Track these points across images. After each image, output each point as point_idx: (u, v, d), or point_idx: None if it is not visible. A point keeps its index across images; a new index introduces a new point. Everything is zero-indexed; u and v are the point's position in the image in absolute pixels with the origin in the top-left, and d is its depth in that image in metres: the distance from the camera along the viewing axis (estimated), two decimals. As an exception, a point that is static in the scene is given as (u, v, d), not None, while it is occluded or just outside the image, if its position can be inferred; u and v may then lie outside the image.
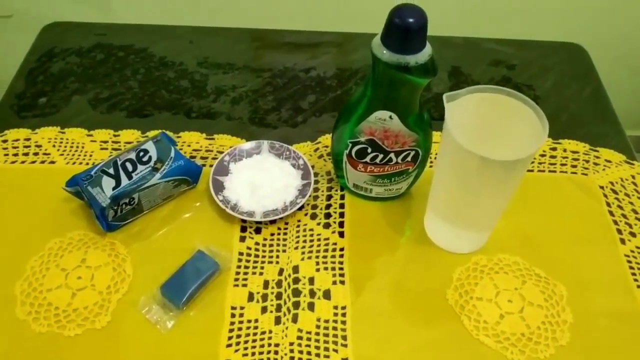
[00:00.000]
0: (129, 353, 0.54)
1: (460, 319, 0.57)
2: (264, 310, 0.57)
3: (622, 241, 0.64)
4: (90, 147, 0.71)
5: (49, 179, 0.65)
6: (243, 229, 0.63)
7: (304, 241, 0.63)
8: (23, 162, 0.69)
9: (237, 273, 0.60)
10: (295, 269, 0.60)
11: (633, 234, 0.65)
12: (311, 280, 0.59)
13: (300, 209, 0.65)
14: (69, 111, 0.75)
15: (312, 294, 0.58)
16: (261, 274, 0.60)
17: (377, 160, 0.60)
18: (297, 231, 0.63)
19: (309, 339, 0.55)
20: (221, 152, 0.70)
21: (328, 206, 0.66)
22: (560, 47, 0.89)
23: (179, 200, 0.65)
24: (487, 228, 0.61)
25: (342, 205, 0.66)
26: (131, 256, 0.60)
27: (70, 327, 0.55)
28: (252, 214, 0.63)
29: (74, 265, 0.59)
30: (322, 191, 0.67)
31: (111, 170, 0.60)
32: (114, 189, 0.59)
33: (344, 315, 0.57)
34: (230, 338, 0.55)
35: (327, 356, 0.54)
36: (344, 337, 0.55)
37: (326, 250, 0.62)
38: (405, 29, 0.50)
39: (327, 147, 0.72)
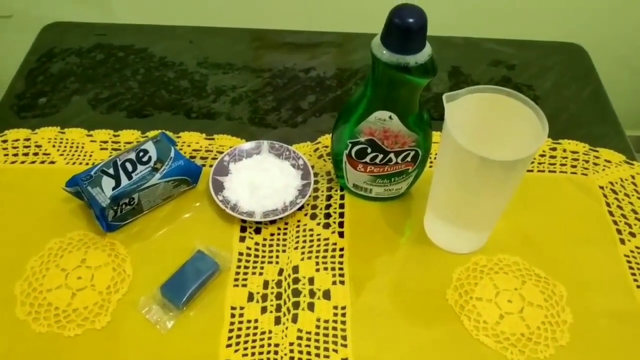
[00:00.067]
0: (129, 353, 0.54)
1: (460, 319, 0.57)
2: (263, 310, 0.57)
3: (622, 241, 0.64)
4: (90, 147, 0.71)
5: (49, 179, 0.65)
6: (243, 229, 0.63)
7: (304, 241, 0.63)
8: (23, 162, 0.69)
9: (237, 273, 0.60)
10: (295, 269, 0.60)
11: (633, 234, 0.65)
12: (311, 281, 0.59)
13: (300, 209, 0.65)
14: (69, 111, 0.75)
15: (312, 294, 0.58)
16: (261, 274, 0.60)
17: (377, 161, 0.60)
18: (297, 231, 0.63)
19: (308, 339, 0.55)
20: (221, 152, 0.70)
21: (328, 206, 0.66)
22: (560, 47, 0.89)
23: (179, 201, 0.65)
24: (487, 228, 0.61)
25: (342, 206, 0.66)
26: (131, 256, 0.60)
27: (70, 327, 0.55)
28: (252, 214, 0.63)
29: (74, 266, 0.59)
30: (322, 191, 0.67)
31: (111, 171, 0.60)
32: (113, 189, 0.59)
33: (343, 315, 0.57)
34: (230, 338, 0.55)
35: (327, 356, 0.54)
36: (344, 337, 0.55)
37: (326, 251, 0.62)
38: (405, 29, 0.50)
39: (327, 147, 0.72)
